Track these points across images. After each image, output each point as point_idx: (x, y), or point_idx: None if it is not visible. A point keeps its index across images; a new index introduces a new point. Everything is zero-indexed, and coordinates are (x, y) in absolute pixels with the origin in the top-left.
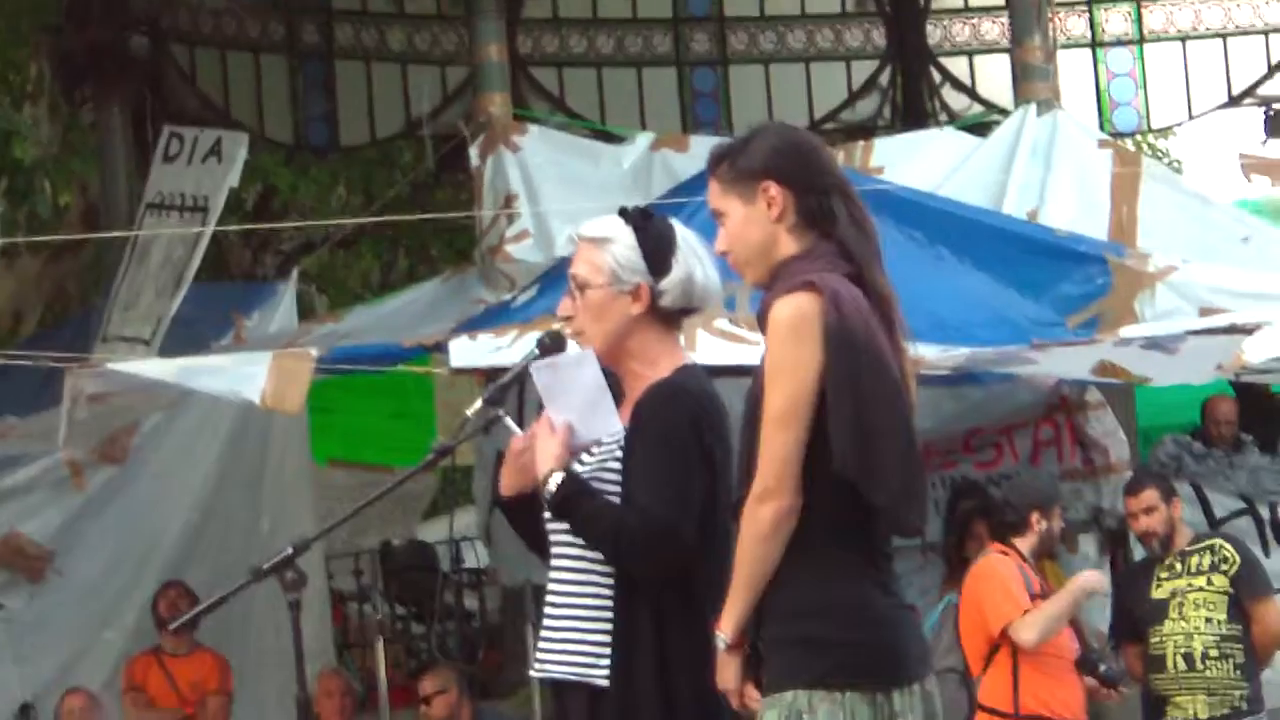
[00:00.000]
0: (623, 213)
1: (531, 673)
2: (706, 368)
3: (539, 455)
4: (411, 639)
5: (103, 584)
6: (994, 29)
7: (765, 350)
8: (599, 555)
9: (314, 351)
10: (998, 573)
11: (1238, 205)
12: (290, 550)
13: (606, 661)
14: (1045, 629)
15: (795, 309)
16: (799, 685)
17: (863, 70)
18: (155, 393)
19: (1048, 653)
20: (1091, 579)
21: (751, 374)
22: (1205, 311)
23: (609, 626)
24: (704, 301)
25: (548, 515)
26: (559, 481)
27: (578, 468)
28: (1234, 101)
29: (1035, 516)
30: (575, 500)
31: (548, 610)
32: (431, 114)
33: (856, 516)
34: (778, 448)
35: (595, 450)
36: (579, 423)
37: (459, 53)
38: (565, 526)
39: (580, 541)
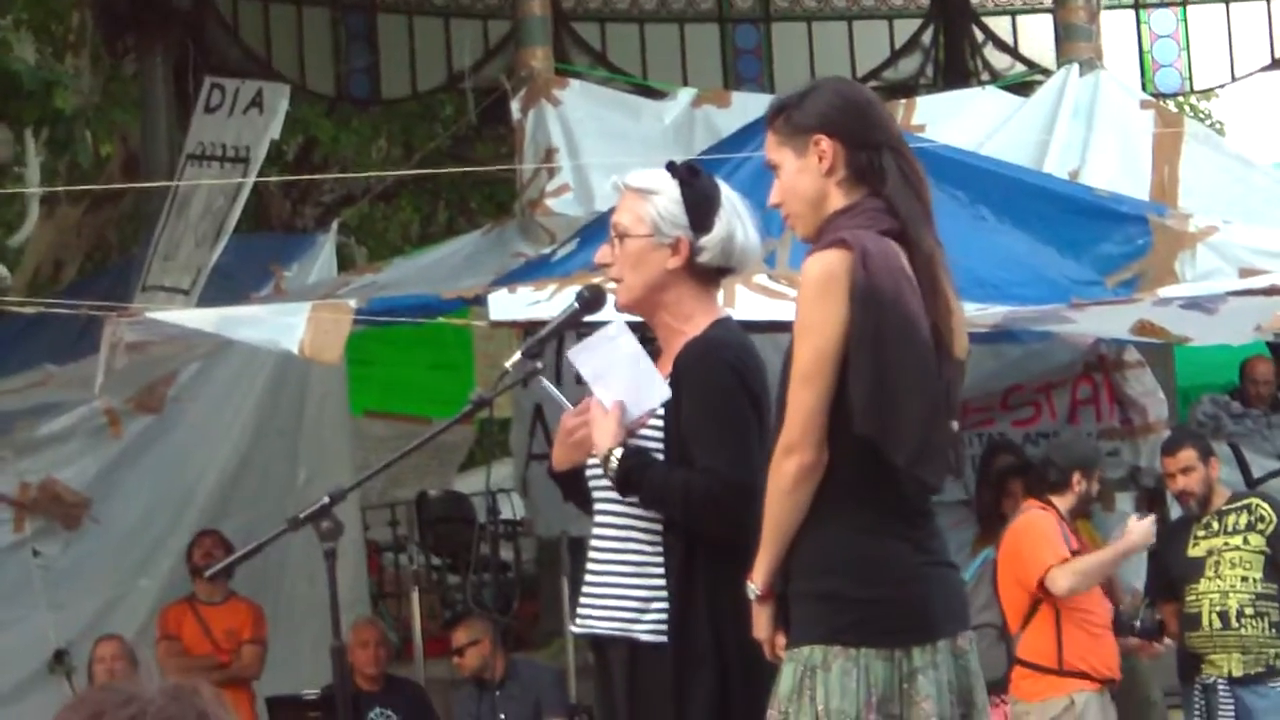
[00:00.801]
0: (670, 167)
1: (573, 628)
2: (745, 323)
3: (597, 434)
4: (446, 590)
5: (139, 532)
6: None
7: (796, 306)
8: (642, 515)
9: (353, 303)
10: (1038, 527)
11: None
12: (326, 499)
13: (650, 616)
14: (1080, 580)
15: (824, 267)
16: (815, 640)
17: (906, 28)
18: (193, 342)
19: (1086, 609)
20: (1139, 536)
21: (789, 329)
22: (1245, 272)
23: (651, 583)
24: (743, 263)
25: (595, 480)
26: (620, 457)
27: (633, 441)
28: (1277, 64)
29: (1077, 477)
30: (640, 473)
31: (590, 567)
32: (473, 67)
33: (882, 473)
34: (802, 403)
35: (637, 419)
36: (629, 397)
37: (501, 6)
38: (607, 485)
39: (625, 502)
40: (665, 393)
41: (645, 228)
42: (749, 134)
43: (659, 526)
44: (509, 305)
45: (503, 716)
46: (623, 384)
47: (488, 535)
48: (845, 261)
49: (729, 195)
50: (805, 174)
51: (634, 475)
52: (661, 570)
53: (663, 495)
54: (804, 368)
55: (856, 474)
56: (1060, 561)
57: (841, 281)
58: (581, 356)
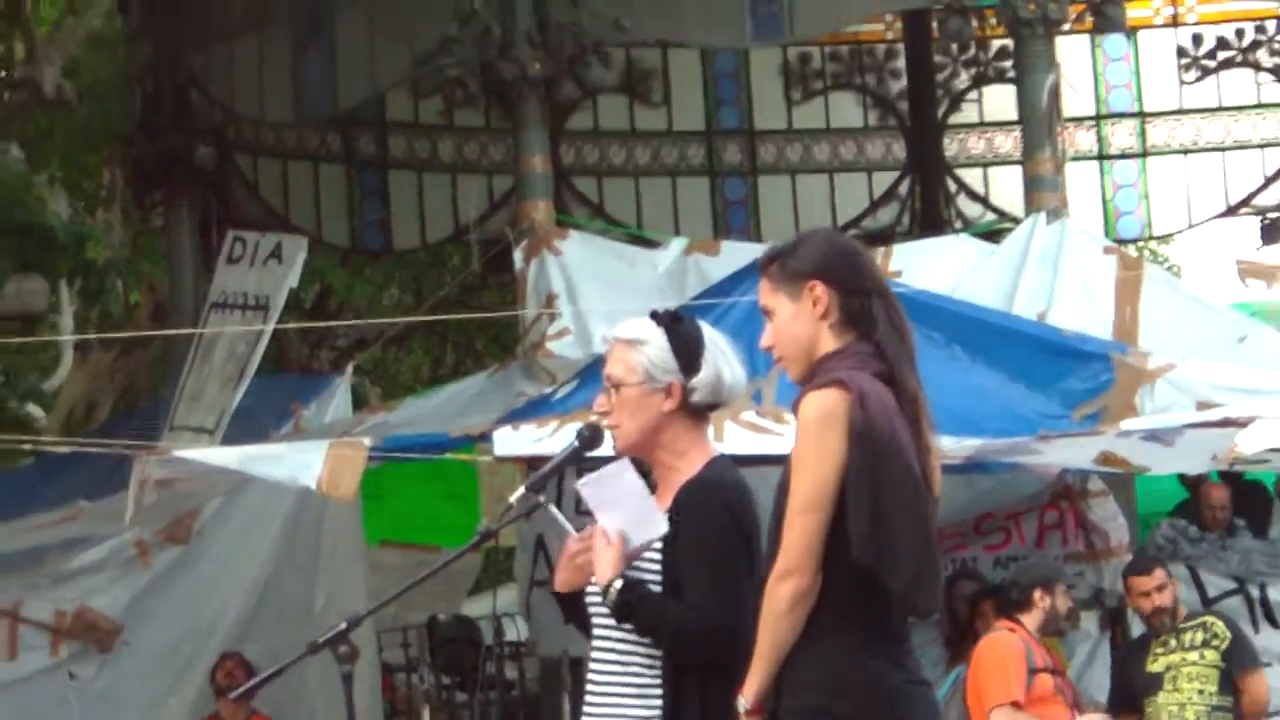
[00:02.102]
0: (654, 315)
1: None
2: (733, 456)
3: (599, 563)
4: (455, 708)
5: (168, 655)
6: (1007, 142)
7: (795, 441)
8: (641, 641)
9: (367, 441)
10: (998, 651)
11: (1234, 308)
12: (344, 625)
13: None
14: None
15: (823, 405)
16: None
17: (883, 180)
18: (218, 478)
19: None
20: None
21: (776, 463)
22: (1202, 406)
23: (650, 704)
24: (730, 398)
25: (594, 603)
26: (619, 589)
27: (631, 573)
28: (1231, 211)
29: (1039, 594)
30: (637, 605)
31: (590, 689)
32: (479, 220)
33: (873, 598)
34: (800, 531)
35: (636, 549)
36: (629, 529)
37: (505, 163)
38: (607, 613)
39: (622, 627)
40: (664, 527)
41: (638, 376)
42: (737, 280)
43: (657, 651)
44: (513, 441)
45: None
46: (625, 516)
47: (494, 656)
48: (844, 401)
49: (712, 336)
50: (799, 318)
51: (631, 606)
52: (659, 692)
53: (657, 627)
54: (803, 499)
55: (849, 599)
56: (1007, 701)
57: (840, 419)
58: (588, 489)
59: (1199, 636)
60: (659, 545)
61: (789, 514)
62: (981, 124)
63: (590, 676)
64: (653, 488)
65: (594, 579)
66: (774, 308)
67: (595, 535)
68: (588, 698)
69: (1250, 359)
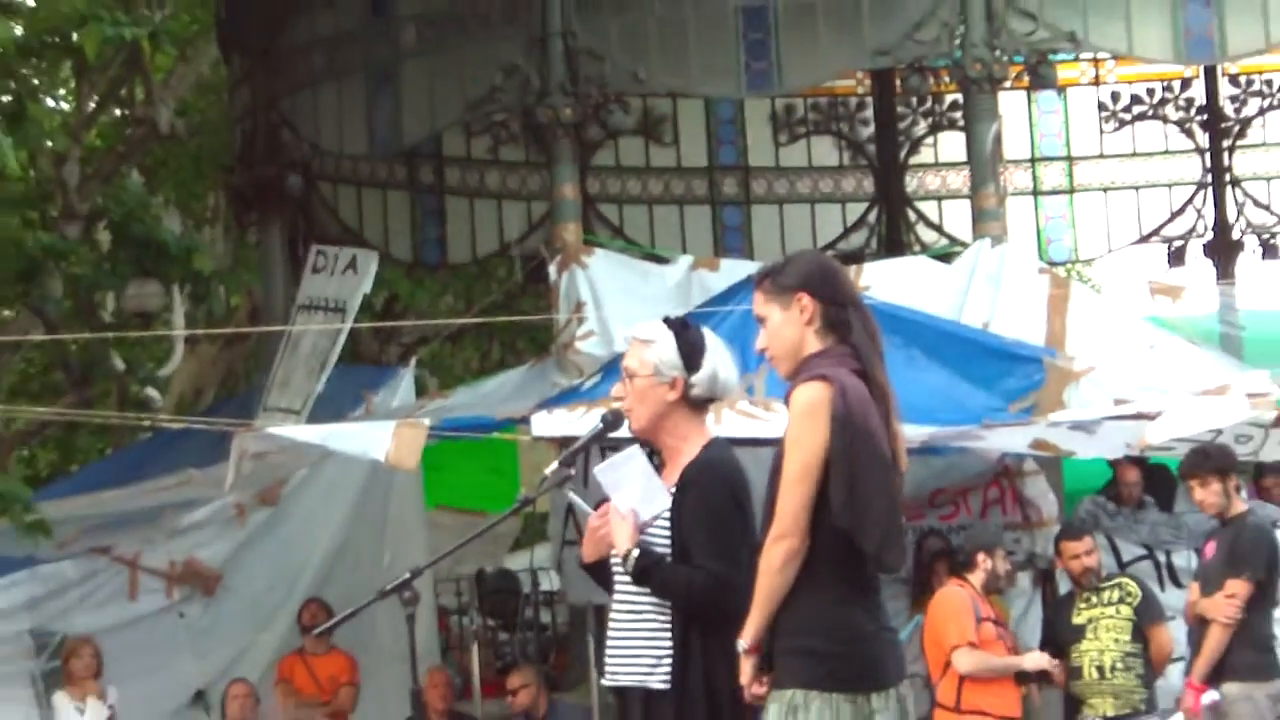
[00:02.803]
0: (666, 320)
1: (603, 681)
2: (730, 439)
3: (616, 536)
4: (499, 645)
5: (261, 598)
6: (958, 179)
7: (786, 426)
8: (652, 597)
9: (427, 421)
10: (951, 603)
11: (1146, 320)
12: (407, 575)
13: (659, 671)
14: (977, 669)
15: (810, 396)
16: (797, 685)
17: (855, 211)
18: (303, 452)
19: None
20: (1030, 663)
21: (764, 445)
22: (1118, 402)
23: (660, 646)
24: (724, 394)
25: (615, 567)
26: (636, 556)
27: (645, 539)
28: (1144, 239)
29: (981, 556)
30: (652, 569)
31: (611, 634)
32: (520, 239)
33: (850, 558)
34: (790, 501)
35: (647, 522)
36: (639, 506)
37: (541, 191)
38: (625, 575)
39: (640, 588)
40: (667, 501)
41: (649, 370)
42: (734, 292)
43: (667, 604)
44: (548, 424)
45: None
46: (636, 494)
47: (531, 603)
48: (827, 393)
49: (713, 341)
50: (789, 325)
51: (648, 571)
52: (669, 637)
53: (670, 587)
54: (793, 474)
55: (831, 557)
56: (965, 642)
57: (824, 408)
58: (603, 474)
59: (1115, 594)
60: (667, 515)
61: (782, 486)
62: (936, 164)
63: (611, 625)
64: (660, 466)
65: (614, 549)
66: (767, 316)
67: (610, 512)
68: (609, 643)
69: (1158, 363)
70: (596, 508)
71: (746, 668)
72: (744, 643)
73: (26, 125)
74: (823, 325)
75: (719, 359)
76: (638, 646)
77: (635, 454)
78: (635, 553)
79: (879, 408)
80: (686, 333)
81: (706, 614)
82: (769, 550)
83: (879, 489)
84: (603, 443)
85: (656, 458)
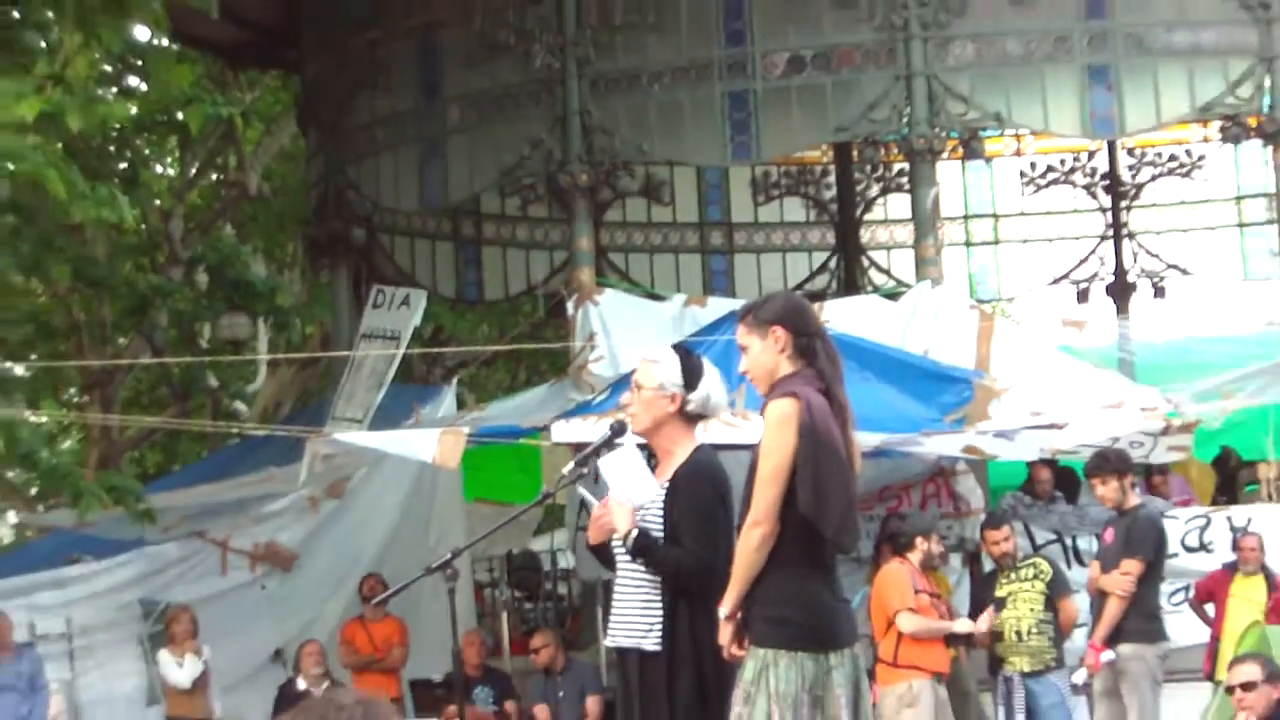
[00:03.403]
0: (674, 346)
1: (605, 642)
2: (714, 445)
3: (617, 521)
4: (524, 613)
5: (328, 574)
6: (903, 233)
7: (762, 433)
8: (648, 573)
9: (466, 429)
10: (893, 576)
11: (1058, 348)
12: (449, 555)
13: (652, 635)
14: (918, 630)
15: (782, 410)
16: (769, 646)
17: (819, 258)
18: (364, 454)
19: (894, 628)
20: (961, 627)
21: (743, 449)
22: (1033, 414)
23: (653, 614)
24: (714, 413)
25: (616, 548)
26: (635, 537)
27: (642, 523)
28: (1056, 282)
29: (920, 540)
30: (648, 548)
31: (614, 603)
32: (543, 281)
33: (813, 541)
34: (765, 495)
35: (645, 507)
36: (633, 492)
37: (561, 242)
38: (626, 555)
39: (636, 564)
40: (656, 490)
41: (654, 384)
42: (719, 325)
43: (658, 580)
44: (565, 432)
45: (561, 694)
46: (630, 482)
47: (550, 578)
48: (796, 408)
49: (710, 368)
50: (766, 352)
51: (644, 550)
52: (660, 606)
53: (662, 565)
54: (767, 473)
55: (797, 541)
56: (905, 608)
57: (794, 420)
58: (607, 466)
59: (1030, 572)
60: (661, 506)
61: (757, 484)
62: (886, 221)
63: (614, 596)
64: (654, 466)
65: (616, 531)
66: (748, 345)
67: (610, 501)
68: (612, 609)
69: (1066, 383)
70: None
71: (727, 631)
72: (725, 610)
73: (140, 188)
74: (793, 352)
75: (713, 384)
76: (634, 615)
77: (629, 452)
78: (634, 533)
79: (838, 419)
80: (689, 359)
81: (691, 589)
82: (746, 534)
83: (837, 486)
84: (610, 447)
85: (653, 459)
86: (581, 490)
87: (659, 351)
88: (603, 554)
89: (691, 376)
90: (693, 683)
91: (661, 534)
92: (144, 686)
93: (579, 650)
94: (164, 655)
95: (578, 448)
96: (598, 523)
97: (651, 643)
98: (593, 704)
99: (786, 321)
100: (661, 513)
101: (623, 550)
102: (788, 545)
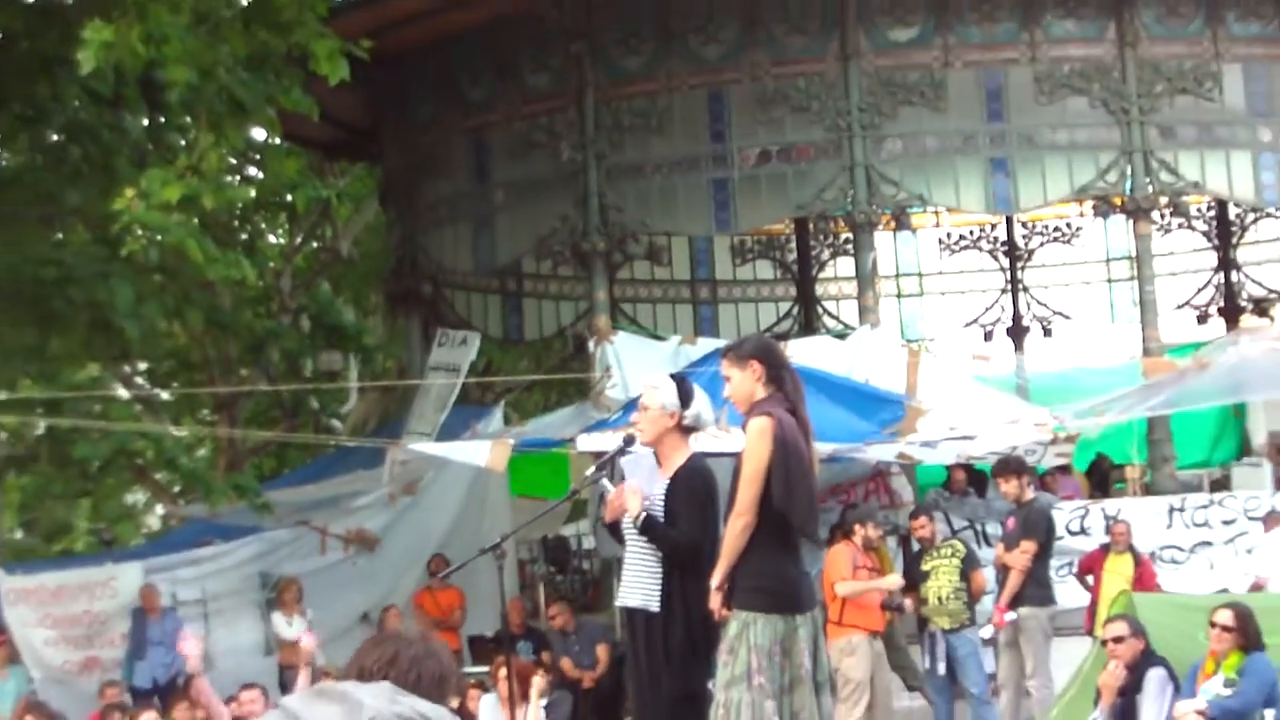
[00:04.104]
0: (671, 376)
1: (617, 604)
2: (703, 452)
3: (629, 503)
4: (556, 584)
5: (403, 554)
6: (849, 287)
7: (745, 444)
8: (652, 548)
9: (511, 440)
10: (838, 554)
11: (971, 377)
12: (498, 539)
13: (654, 598)
14: (850, 592)
15: (759, 425)
16: (749, 609)
17: (784, 307)
18: (432, 460)
19: (860, 598)
20: (887, 583)
21: (725, 456)
22: (951, 428)
23: (656, 581)
24: (703, 427)
25: (627, 529)
26: (644, 519)
27: (649, 508)
28: (968, 325)
29: (858, 526)
30: (653, 528)
31: (624, 572)
32: (570, 325)
33: (784, 528)
34: (747, 493)
35: (650, 497)
36: (644, 485)
37: (584, 295)
38: (634, 531)
39: (644, 541)
40: (661, 484)
41: (657, 405)
42: (706, 360)
43: (660, 554)
44: (588, 442)
45: (578, 648)
46: (643, 478)
47: (577, 556)
48: (770, 424)
49: (699, 393)
50: (745, 381)
51: (649, 527)
52: (661, 575)
53: (661, 540)
54: (748, 475)
55: (772, 528)
56: (840, 578)
57: (768, 434)
58: (627, 462)
59: (949, 551)
60: (664, 498)
61: (740, 483)
62: (836, 278)
63: (624, 566)
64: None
65: (628, 513)
66: (731, 375)
67: (625, 489)
68: (623, 579)
69: (977, 404)
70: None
71: (717, 598)
72: (715, 582)
73: (257, 253)
74: (766, 381)
75: (702, 404)
76: (640, 581)
77: (646, 454)
78: (643, 516)
79: (802, 433)
80: (683, 384)
81: (683, 563)
82: (732, 523)
83: (802, 485)
84: (623, 455)
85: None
86: (604, 482)
87: (659, 380)
88: (615, 532)
89: (685, 398)
90: (684, 636)
91: (663, 519)
92: (262, 641)
93: (598, 612)
94: (277, 616)
95: (597, 455)
96: (613, 505)
97: (654, 604)
98: (601, 651)
99: (761, 357)
100: (664, 505)
101: (632, 529)
102: (764, 531)
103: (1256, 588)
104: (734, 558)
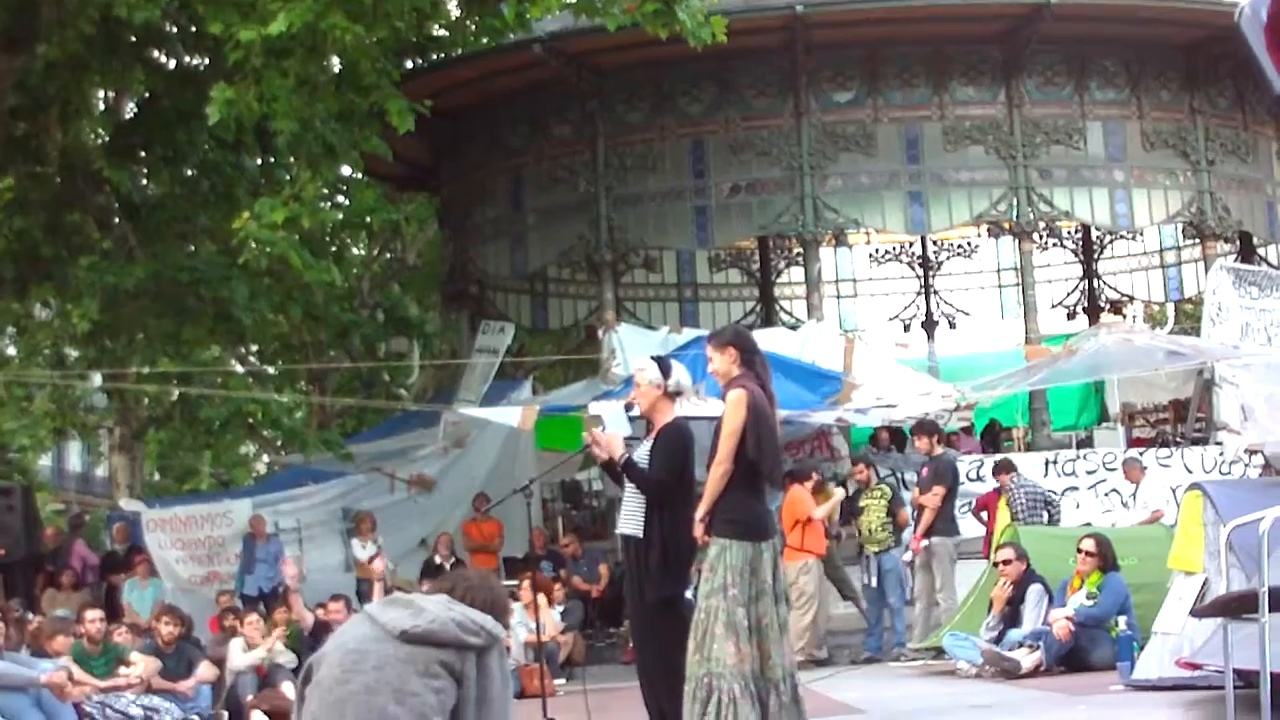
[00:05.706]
0: (653, 357)
1: (616, 530)
2: (685, 416)
3: (614, 448)
4: (572, 517)
5: (454, 492)
6: (800, 290)
7: (724, 411)
8: (639, 489)
9: (538, 406)
10: (799, 494)
11: (894, 360)
12: (528, 482)
13: (642, 527)
14: (826, 513)
15: (736, 396)
16: (726, 537)
17: (750, 305)
18: (476, 421)
19: (812, 527)
20: (833, 503)
21: (704, 420)
22: (877, 399)
23: (643, 512)
24: (684, 390)
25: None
26: (624, 462)
27: (632, 454)
28: (891, 319)
29: (814, 474)
30: (631, 468)
31: (622, 506)
32: (585, 317)
33: (755, 475)
34: (726, 446)
35: (644, 452)
36: (615, 427)
37: (595, 295)
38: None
39: (628, 482)
40: (629, 429)
41: (647, 381)
42: (691, 345)
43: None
44: (598, 409)
45: (585, 568)
46: (614, 422)
47: (588, 495)
48: (744, 395)
49: (676, 365)
50: (724, 362)
51: (627, 467)
52: (645, 509)
53: (641, 482)
54: (727, 433)
55: (745, 475)
56: (810, 512)
57: (743, 402)
58: (598, 408)
59: (878, 493)
60: (649, 448)
61: (721, 440)
62: (790, 283)
63: (622, 502)
64: (647, 429)
65: (614, 455)
66: (713, 357)
67: (613, 438)
68: (620, 510)
69: (901, 382)
70: None
71: (699, 529)
72: (699, 515)
73: (344, 262)
74: (741, 362)
75: (680, 372)
76: (632, 513)
77: (615, 406)
78: (624, 458)
79: (768, 401)
80: (662, 362)
81: (659, 499)
82: (714, 470)
83: (769, 441)
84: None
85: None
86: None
87: (644, 362)
88: (612, 473)
89: (665, 372)
90: (660, 556)
91: (646, 465)
92: (344, 560)
93: (604, 540)
94: (355, 542)
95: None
96: (597, 447)
97: (642, 532)
98: (603, 569)
99: (737, 343)
100: (648, 455)
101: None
102: (739, 477)
103: (1154, 519)
104: (715, 497)
